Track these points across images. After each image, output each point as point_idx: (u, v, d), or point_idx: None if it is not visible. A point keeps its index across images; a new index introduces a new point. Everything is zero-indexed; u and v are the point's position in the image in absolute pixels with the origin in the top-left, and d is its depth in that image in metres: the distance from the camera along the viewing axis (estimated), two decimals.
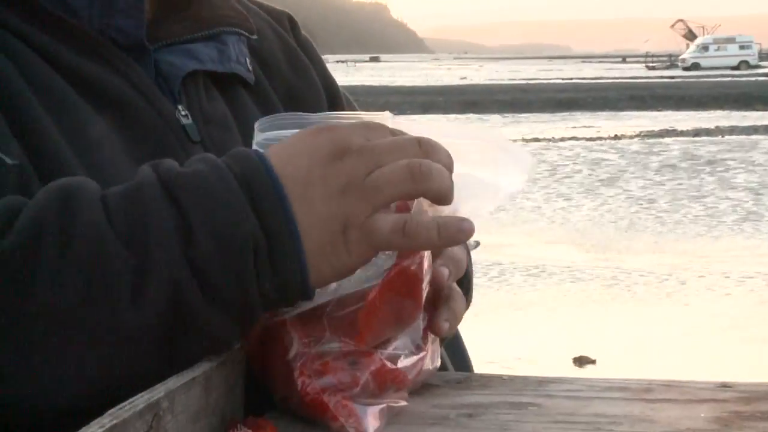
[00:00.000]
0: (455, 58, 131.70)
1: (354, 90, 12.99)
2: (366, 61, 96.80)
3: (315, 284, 0.59)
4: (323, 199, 0.58)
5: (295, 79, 0.91)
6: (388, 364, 0.62)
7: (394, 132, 0.62)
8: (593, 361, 4.90)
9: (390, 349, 0.63)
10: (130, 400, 0.50)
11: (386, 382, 0.62)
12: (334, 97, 0.95)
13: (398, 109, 15.72)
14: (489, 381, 0.73)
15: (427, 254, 0.63)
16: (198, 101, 0.80)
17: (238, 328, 0.60)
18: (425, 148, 0.60)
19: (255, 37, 0.85)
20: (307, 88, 0.92)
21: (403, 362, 0.64)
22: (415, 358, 0.65)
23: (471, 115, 21.37)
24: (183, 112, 0.77)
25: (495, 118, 21.17)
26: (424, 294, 0.64)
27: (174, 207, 0.56)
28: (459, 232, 0.61)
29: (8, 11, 0.70)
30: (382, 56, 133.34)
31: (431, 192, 0.60)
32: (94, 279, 0.55)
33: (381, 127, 0.62)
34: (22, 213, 0.56)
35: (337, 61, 79.52)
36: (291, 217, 0.57)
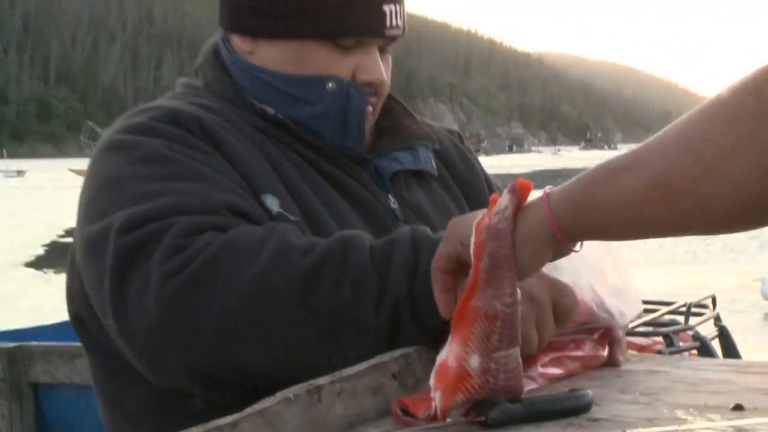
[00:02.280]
0: None
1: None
2: None
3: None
4: None
5: (467, 173, 1.36)
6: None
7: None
8: None
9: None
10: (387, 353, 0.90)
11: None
12: (489, 185, 1.38)
13: None
14: None
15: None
16: (401, 192, 1.22)
17: (429, 338, 0.92)
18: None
19: (437, 146, 1.28)
20: (476, 179, 1.36)
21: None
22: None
23: None
24: (392, 200, 1.19)
25: None
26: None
27: (414, 253, 0.94)
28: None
29: (288, 137, 1.14)
30: None
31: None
32: (356, 292, 0.92)
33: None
34: (318, 245, 0.94)
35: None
36: None
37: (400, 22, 1.16)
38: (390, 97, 1.25)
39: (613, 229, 0.83)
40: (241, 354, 0.92)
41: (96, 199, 1.04)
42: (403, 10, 1.18)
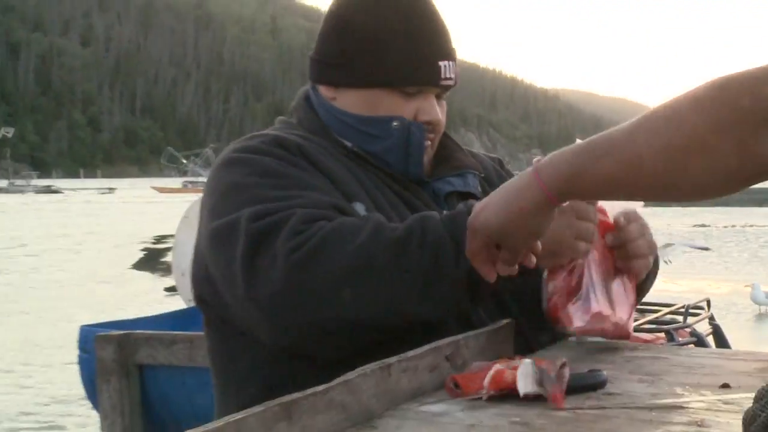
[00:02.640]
0: None
1: None
2: None
3: None
4: None
5: None
6: None
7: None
8: None
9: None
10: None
11: None
12: None
13: None
14: None
15: None
16: (452, 208, 1.29)
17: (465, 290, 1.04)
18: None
19: (482, 175, 1.37)
20: None
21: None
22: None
23: None
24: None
25: None
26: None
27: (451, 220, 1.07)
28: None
29: (364, 164, 1.24)
30: None
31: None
32: (437, 253, 1.02)
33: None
34: (402, 224, 1.07)
35: None
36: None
37: (452, 75, 1.25)
38: (445, 134, 1.33)
39: (595, 199, 1.02)
40: (349, 309, 1.01)
41: (221, 202, 1.12)
42: (455, 65, 1.26)
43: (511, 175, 1.46)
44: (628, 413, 0.82)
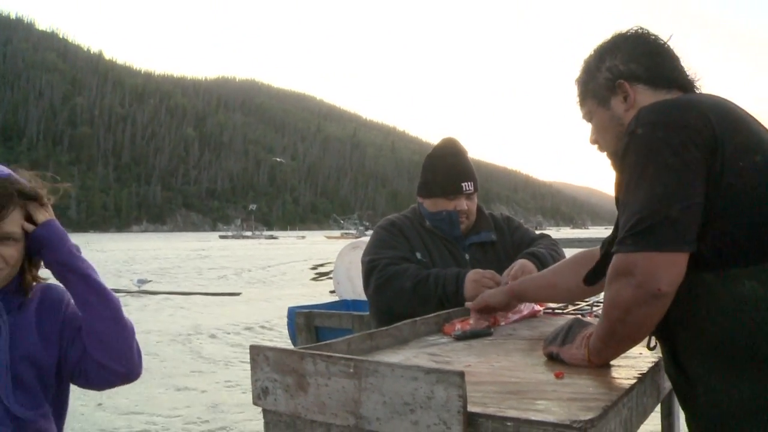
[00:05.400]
0: None
1: None
2: None
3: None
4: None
5: (511, 234, 2.73)
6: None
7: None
8: None
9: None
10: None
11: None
12: (524, 240, 2.73)
13: None
14: None
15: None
16: (474, 255, 2.63)
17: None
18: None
19: (495, 237, 2.67)
20: (517, 236, 2.73)
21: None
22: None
23: None
24: (467, 256, 2.63)
25: None
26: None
27: (455, 278, 2.38)
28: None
29: (432, 232, 2.63)
30: None
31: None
32: (440, 288, 2.36)
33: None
34: (431, 271, 2.43)
35: None
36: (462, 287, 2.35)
37: (471, 187, 2.58)
38: (479, 209, 2.64)
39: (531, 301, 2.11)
40: (399, 307, 2.33)
41: (367, 248, 2.55)
42: (473, 183, 2.58)
43: (514, 225, 2.77)
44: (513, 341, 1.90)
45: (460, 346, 1.80)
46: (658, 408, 1.98)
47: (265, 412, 1.35)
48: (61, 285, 1.64)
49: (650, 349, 1.52)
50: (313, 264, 29.79)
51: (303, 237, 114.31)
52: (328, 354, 1.26)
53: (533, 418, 1.07)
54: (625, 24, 2.19)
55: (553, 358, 1.55)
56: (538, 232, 2.78)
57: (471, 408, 1.11)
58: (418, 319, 1.97)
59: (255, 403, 1.36)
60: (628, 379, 1.37)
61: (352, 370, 1.22)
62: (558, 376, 1.39)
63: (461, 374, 1.09)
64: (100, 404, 6.31)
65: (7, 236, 1.57)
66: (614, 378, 1.38)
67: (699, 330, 1.32)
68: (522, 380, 1.38)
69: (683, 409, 1.44)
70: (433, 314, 2.06)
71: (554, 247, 2.59)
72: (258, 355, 1.35)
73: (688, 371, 1.37)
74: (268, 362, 1.33)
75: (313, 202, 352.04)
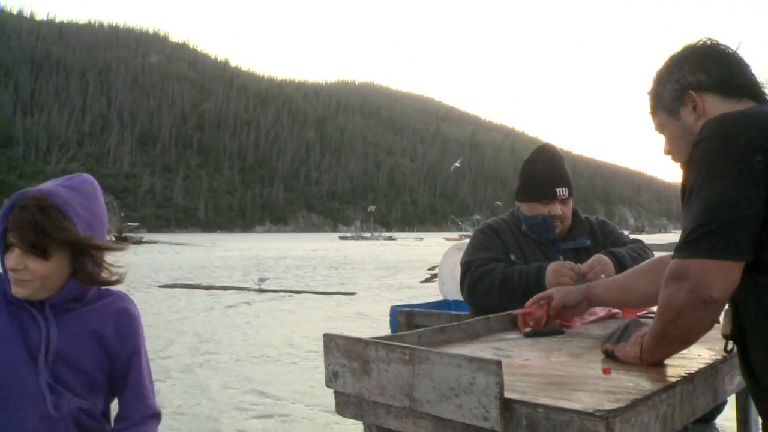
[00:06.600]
0: None
1: None
2: None
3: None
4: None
5: (605, 236, 2.85)
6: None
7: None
8: None
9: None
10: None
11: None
12: (618, 242, 2.84)
13: None
14: None
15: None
16: (568, 259, 2.69)
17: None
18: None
19: (589, 242, 2.78)
20: (611, 239, 2.84)
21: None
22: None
23: None
24: (562, 258, 2.73)
25: None
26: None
27: (537, 270, 2.54)
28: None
29: (528, 236, 2.77)
30: None
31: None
32: (523, 282, 2.52)
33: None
34: (515, 268, 2.59)
35: None
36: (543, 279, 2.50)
37: (566, 193, 2.69)
38: (575, 213, 2.75)
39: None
40: (489, 304, 2.46)
41: (470, 249, 2.69)
42: (568, 188, 2.69)
43: (608, 229, 2.84)
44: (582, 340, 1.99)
45: (527, 342, 1.91)
46: (734, 415, 2.01)
47: (336, 393, 1.53)
48: (134, 309, 1.71)
49: (727, 352, 1.57)
50: (430, 265, 30.05)
51: (421, 239, 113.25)
52: (388, 342, 1.43)
53: (562, 405, 1.19)
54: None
55: (609, 356, 1.64)
56: (645, 236, 2.90)
57: (510, 395, 1.24)
58: (491, 315, 2.09)
59: (327, 386, 1.55)
60: (673, 377, 1.43)
61: (407, 357, 1.37)
62: (605, 371, 1.48)
63: (498, 363, 1.23)
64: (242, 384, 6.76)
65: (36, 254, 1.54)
66: (659, 376, 1.45)
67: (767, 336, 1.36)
68: (569, 374, 1.49)
69: (759, 414, 1.48)
70: (506, 312, 2.16)
71: (640, 250, 2.64)
72: (330, 342, 1.53)
73: (758, 376, 1.41)
74: (339, 349, 1.51)
75: (432, 204, 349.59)
